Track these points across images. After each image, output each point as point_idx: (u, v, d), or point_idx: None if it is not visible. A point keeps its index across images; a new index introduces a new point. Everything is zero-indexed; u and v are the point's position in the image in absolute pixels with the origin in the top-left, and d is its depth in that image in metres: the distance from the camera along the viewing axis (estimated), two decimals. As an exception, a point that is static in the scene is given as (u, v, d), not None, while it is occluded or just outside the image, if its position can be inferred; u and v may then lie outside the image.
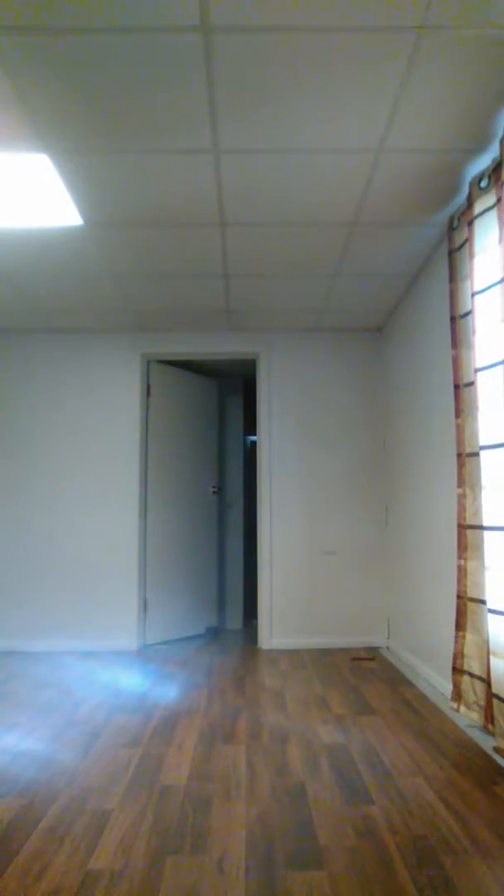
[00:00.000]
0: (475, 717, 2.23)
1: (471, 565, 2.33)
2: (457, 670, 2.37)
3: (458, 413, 2.44)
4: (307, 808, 1.78)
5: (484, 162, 2.21)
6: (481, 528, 2.26)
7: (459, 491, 2.39)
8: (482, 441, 2.17)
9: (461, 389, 2.44)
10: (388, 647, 3.92)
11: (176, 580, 4.33)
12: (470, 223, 2.27)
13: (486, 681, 2.17)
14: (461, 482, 2.39)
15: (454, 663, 2.38)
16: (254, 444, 6.51)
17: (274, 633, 3.99)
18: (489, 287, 2.15)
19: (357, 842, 1.59)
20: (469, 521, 2.34)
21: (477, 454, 2.32)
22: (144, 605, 4.09)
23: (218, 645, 4.10)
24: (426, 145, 2.11)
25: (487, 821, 1.69)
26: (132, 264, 3.07)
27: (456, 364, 2.46)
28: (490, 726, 2.12)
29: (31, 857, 1.53)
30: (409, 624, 3.47)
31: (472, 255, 2.24)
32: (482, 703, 2.21)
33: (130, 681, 3.19)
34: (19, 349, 4.19)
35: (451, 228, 2.55)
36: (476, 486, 2.31)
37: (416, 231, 2.76)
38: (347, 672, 3.33)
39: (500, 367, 2.07)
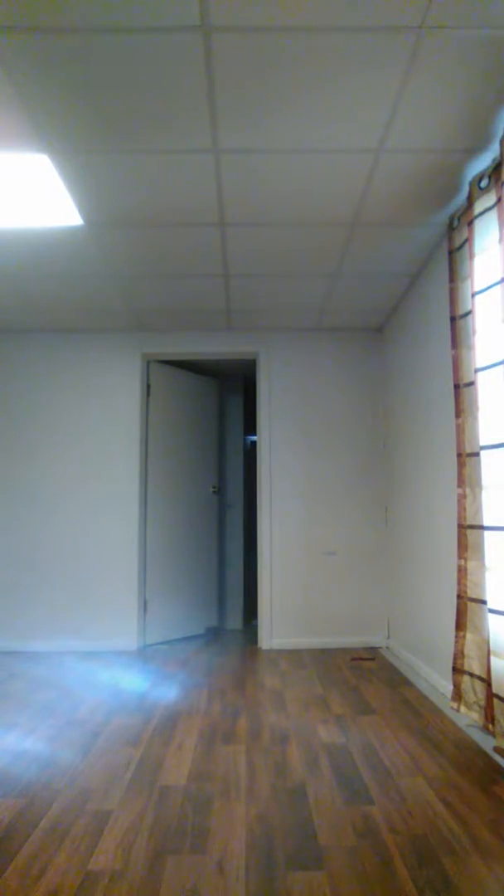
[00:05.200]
0: (475, 717, 2.23)
1: (471, 565, 2.33)
2: (457, 670, 2.37)
3: (458, 413, 2.44)
4: (307, 808, 1.78)
5: (484, 162, 2.21)
6: (482, 528, 2.26)
7: (460, 491, 2.39)
8: (482, 441, 2.17)
9: (461, 389, 2.44)
10: (388, 647, 3.92)
11: (176, 580, 4.33)
12: (470, 223, 2.27)
13: (487, 681, 2.17)
14: (461, 482, 2.39)
15: (454, 663, 2.38)
16: (254, 444, 6.51)
17: (274, 633, 3.99)
18: (489, 287, 2.15)
19: (357, 842, 1.59)
20: (469, 521, 2.34)
21: (477, 454, 2.32)
22: (144, 605, 4.09)
23: (218, 645, 4.09)
24: (426, 145, 2.11)
25: (487, 821, 1.69)
26: (132, 264, 3.07)
27: (456, 364, 2.46)
28: (490, 726, 2.12)
29: (31, 857, 1.53)
30: (409, 624, 3.47)
31: (472, 255, 2.24)
32: (482, 703, 2.21)
33: (130, 681, 3.19)
34: (19, 349, 4.19)
35: (451, 228, 2.55)
36: (476, 486, 2.31)
37: (416, 231, 2.76)
38: (347, 672, 3.33)
39: (500, 367, 2.07)
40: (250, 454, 6.41)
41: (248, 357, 4.26)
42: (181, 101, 1.87)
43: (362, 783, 1.94)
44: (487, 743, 2.21)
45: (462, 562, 2.37)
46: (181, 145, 2.09)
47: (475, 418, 2.34)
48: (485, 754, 2.15)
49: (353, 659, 3.63)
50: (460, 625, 2.37)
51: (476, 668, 2.26)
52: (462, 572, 2.37)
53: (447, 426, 2.81)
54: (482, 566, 2.26)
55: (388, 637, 3.95)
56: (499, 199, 2.04)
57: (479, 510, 2.28)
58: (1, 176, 2.22)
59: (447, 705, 2.65)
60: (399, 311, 3.69)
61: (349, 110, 1.92)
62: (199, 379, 4.70)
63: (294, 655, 3.74)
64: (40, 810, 1.78)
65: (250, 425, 6.35)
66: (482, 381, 2.17)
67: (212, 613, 4.63)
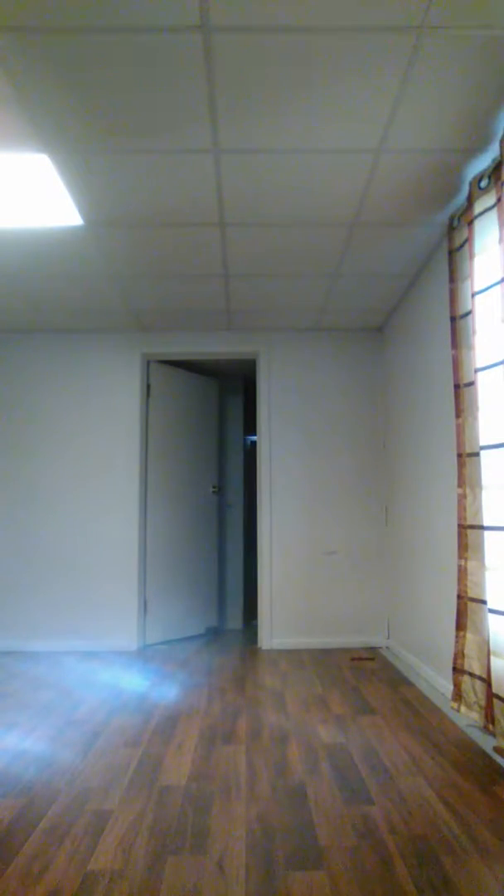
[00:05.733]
0: (475, 717, 2.23)
1: (471, 565, 2.33)
2: (457, 670, 2.37)
3: (458, 413, 2.44)
4: (307, 808, 1.78)
5: (484, 162, 2.21)
6: (482, 528, 2.26)
7: (460, 491, 2.39)
8: (482, 441, 2.17)
9: (461, 389, 2.44)
10: (388, 647, 3.92)
11: (176, 580, 4.33)
12: (470, 223, 2.27)
13: (487, 681, 2.17)
14: (461, 482, 2.39)
15: (454, 663, 2.38)
16: (254, 444, 6.51)
17: (274, 633, 3.99)
18: (489, 287, 2.15)
19: (357, 842, 1.59)
20: (469, 521, 2.34)
21: (477, 454, 2.32)
22: (144, 605, 4.09)
23: (218, 645, 4.10)
24: (426, 145, 2.11)
25: (487, 821, 1.69)
26: (132, 264, 3.07)
27: (456, 364, 2.46)
28: (490, 726, 2.12)
29: (31, 857, 1.53)
30: (409, 624, 3.47)
31: (472, 255, 2.24)
32: (482, 703, 2.21)
33: (130, 681, 3.19)
34: (19, 349, 4.19)
35: (451, 228, 2.55)
36: (476, 486, 2.31)
37: (417, 231, 2.76)
38: (347, 672, 3.33)
39: (500, 367, 2.07)
40: (250, 454, 6.41)
41: (248, 357, 4.26)
42: (181, 101, 1.87)
43: (362, 783, 1.94)
44: (487, 743, 2.21)
45: (462, 562, 2.37)
46: (181, 145, 2.09)
47: (475, 418, 2.34)
48: (485, 754, 2.15)
49: (353, 659, 3.63)
50: (460, 625, 2.37)
51: (476, 668, 2.26)
52: (462, 572, 2.37)
53: (447, 426, 2.81)
54: (482, 566, 2.26)
55: (388, 637, 3.95)
56: (499, 199, 2.04)
57: (479, 510, 2.28)
58: (1, 176, 2.22)
59: (447, 705, 2.65)
60: (399, 311, 3.69)
61: (349, 110, 1.92)
62: (199, 379, 4.70)
63: (294, 655, 3.74)
64: (40, 810, 1.78)
65: (250, 425, 6.35)
66: (482, 381, 2.17)
67: (212, 613, 4.63)
